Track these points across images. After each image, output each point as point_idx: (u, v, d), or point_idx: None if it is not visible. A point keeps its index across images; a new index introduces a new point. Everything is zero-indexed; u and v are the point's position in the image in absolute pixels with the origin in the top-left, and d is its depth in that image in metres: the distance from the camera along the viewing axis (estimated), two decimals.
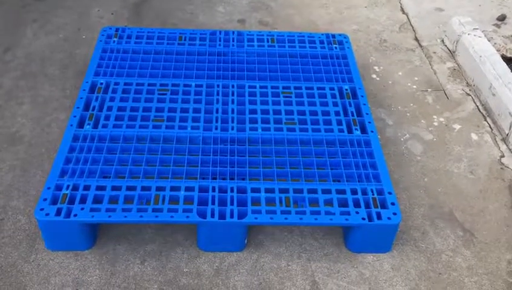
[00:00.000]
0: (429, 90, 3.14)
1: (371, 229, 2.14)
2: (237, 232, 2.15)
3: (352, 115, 2.62)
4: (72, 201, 2.13)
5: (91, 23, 3.50)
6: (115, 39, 3.01)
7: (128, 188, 2.20)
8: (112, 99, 2.62)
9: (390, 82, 3.18)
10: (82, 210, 2.08)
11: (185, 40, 3.05)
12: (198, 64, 2.88)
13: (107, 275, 2.10)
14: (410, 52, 3.45)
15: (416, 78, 3.22)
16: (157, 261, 2.16)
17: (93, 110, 2.55)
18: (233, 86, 2.75)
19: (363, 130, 2.55)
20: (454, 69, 3.30)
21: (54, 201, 2.13)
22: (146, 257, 2.18)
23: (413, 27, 3.69)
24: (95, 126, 2.47)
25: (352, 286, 2.12)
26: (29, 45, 3.27)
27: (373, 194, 2.23)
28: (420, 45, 3.51)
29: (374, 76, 3.22)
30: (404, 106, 3.02)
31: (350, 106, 2.67)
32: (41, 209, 2.08)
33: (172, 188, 2.21)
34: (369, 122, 2.57)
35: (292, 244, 2.26)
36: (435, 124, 2.91)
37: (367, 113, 2.62)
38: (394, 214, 2.15)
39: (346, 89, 2.77)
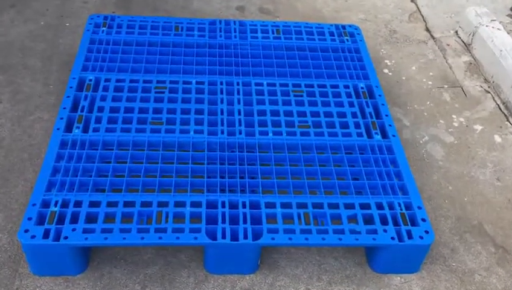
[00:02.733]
0: (445, 86, 2.92)
1: (400, 250, 1.91)
2: (251, 253, 1.90)
3: (371, 117, 2.37)
4: (61, 220, 1.85)
5: (75, 9, 3.18)
6: (104, 29, 2.70)
7: (126, 204, 1.93)
8: (103, 98, 2.32)
9: (403, 78, 2.95)
10: (73, 231, 1.81)
11: (181, 30, 2.76)
12: (198, 58, 2.60)
13: None
14: (423, 45, 3.21)
15: (431, 74, 2.99)
16: (160, 287, 1.90)
17: (82, 111, 2.25)
18: (238, 84, 2.48)
19: (384, 134, 2.32)
20: (471, 64, 3.08)
21: (41, 221, 1.85)
22: (147, 281, 1.92)
23: (423, 16, 3.45)
24: (85, 130, 2.19)
25: None
26: (6, 33, 2.94)
27: (401, 209, 2.01)
28: (432, 37, 3.28)
29: (386, 71, 2.98)
30: (420, 104, 2.79)
31: (368, 106, 2.43)
32: (26, 231, 1.80)
33: (177, 204, 1.94)
34: (390, 126, 2.33)
35: (310, 265, 2.02)
36: (455, 124, 2.69)
37: (386, 115, 2.39)
38: (426, 232, 1.93)
39: (362, 88, 2.52)
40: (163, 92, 2.38)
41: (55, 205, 1.89)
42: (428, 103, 2.80)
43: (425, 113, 2.74)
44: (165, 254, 2.01)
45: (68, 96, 2.31)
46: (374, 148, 2.23)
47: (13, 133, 2.40)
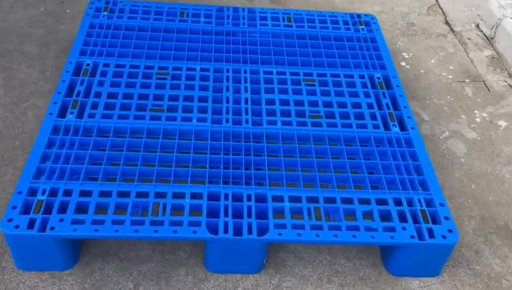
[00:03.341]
0: (467, 81, 2.74)
1: (421, 250, 1.73)
2: (255, 251, 1.73)
3: (388, 108, 2.20)
4: (48, 210, 1.70)
5: None
6: (105, 13, 2.55)
7: (120, 194, 1.76)
8: (101, 83, 2.17)
9: (422, 71, 2.77)
10: (61, 222, 1.65)
11: (187, 16, 2.60)
12: (203, 44, 2.44)
13: None
14: (442, 38, 3.04)
15: (451, 67, 2.81)
16: (155, 285, 1.74)
17: (77, 96, 2.10)
18: (245, 72, 2.31)
19: (402, 126, 2.14)
20: (493, 58, 2.90)
21: (26, 210, 1.69)
22: (141, 279, 1.75)
23: (442, 10, 3.27)
24: (80, 116, 2.03)
25: None
26: (4, 19, 2.81)
27: (421, 206, 1.83)
28: (452, 30, 3.10)
29: (404, 64, 2.81)
30: (440, 98, 2.61)
31: (384, 97, 2.25)
32: (10, 221, 1.64)
33: (175, 195, 1.78)
34: (409, 117, 2.16)
35: (320, 265, 1.85)
36: (478, 120, 2.51)
37: (405, 107, 2.21)
38: (449, 231, 1.75)
39: (379, 78, 2.35)
40: (165, 79, 2.22)
41: (43, 193, 1.73)
42: (448, 97, 2.62)
43: (446, 108, 2.56)
44: (162, 250, 1.84)
45: (63, 81, 2.16)
46: (392, 140, 2.06)
47: (5, 120, 2.25)
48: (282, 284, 1.78)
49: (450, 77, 2.75)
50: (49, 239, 1.63)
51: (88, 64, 2.25)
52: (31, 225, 1.63)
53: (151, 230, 1.65)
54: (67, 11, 2.92)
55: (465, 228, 2.02)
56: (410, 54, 2.88)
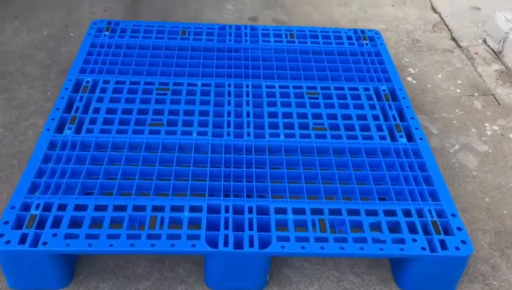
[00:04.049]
0: (476, 94, 2.67)
1: (433, 263, 1.63)
2: (258, 265, 1.64)
3: (395, 120, 2.13)
4: (42, 225, 1.63)
5: (81, 20, 3.04)
6: (107, 33, 2.54)
7: (117, 208, 1.70)
8: (100, 99, 2.13)
9: (429, 86, 2.71)
10: (54, 237, 1.58)
11: (188, 34, 2.58)
12: (204, 61, 2.41)
13: None
14: (448, 53, 2.98)
15: (459, 82, 2.75)
16: None
17: (76, 112, 2.06)
18: (247, 86, 2.27)
19: (410, 137, 2.07)
20: (502, 72, 2.83)
21: (19, 225, 1.63)
22: None
23: (448, 26, 3.23)
24: (78, 131, 1.99)
25: None
26: (7, 43, 2.81)
27: (432, 217, 1.74)
28: (459, 46, 3.05)
29: (410, 79, 2.75)
30: (449, 112, 2.54)
31: (391, 109, 2.19)
32: (1, 236, 1.57)
33: (174, 209, 1.71)
34: (416, 129, 2.09)
35: (327, 281, 1.75)
36: (488, 133, 2.43)
37: (412, 118, 2.14)
38: (463, 242, 1.65)
39: (384, 90, 2.29)
40: (165, 94, 2.18)
41: (37, 208, 1.67)
42: (457, 110, 2.55)
43: (455, 121, 2.49)
44: (160, 267, 1.76)
45: (62, 98, 2.12)
46: (399, 152, 1.98)
47: (4, 139, 2.21)
48: None
49: (458, 90, 2.69)
50: (42, 255, 1.56)
51: (88, 82, 2.22)
52: (22, 240, 1.57)
53: (147, 244, 1.58)
54: (71, 34, 2.92)
55: (479, 242, 1.92)
56: (417, 70, 2.82)
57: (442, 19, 3.31)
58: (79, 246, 1.56)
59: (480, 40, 3.10)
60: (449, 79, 2.77)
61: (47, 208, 1.68)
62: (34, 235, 1.58)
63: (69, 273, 1.69)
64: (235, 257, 1.59)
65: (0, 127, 2.27)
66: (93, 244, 1.57)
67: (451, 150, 2.32)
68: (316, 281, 1.75)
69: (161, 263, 1.77)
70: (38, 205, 1.68)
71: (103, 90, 2.18)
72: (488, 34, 3.06)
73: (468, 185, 2.15)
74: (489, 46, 3.02)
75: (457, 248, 1.63)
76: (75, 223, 1.64)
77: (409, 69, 2.82)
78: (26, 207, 1.68)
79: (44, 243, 1.56)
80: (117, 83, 2.23)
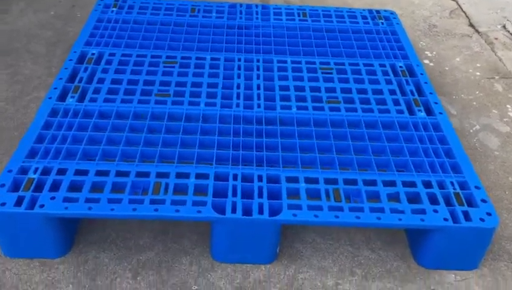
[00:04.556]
0: (496, 77, 2.56)
1: (456, 235, 1.52)
2: (267, 235, 1.53)
3: (413, 95, 2.03)
4: (39, 189, 1.54)
5: (88, 0, 2.97)
6: (114, 9, 2.47)
7: (119, 174, 1.61)
8: (105, 71, 2.05)
9: (447, 68, 2.61)
10: (52, 200, 1.49)
11: (198, 12, 2.50)
12: (214, 36, 2.32)
13: None
14: (467, 38, 2.88)
15: (478, 65, 2.65)
16: (155, 275, 1.55)
17: (79, 82, 1.98)
18: (258, 61, 2.18)
19: (428, 111, 1.96)
20: None
21: (15, 188, 1.54)
22: (140, 268, 1.57)
23: (465, 13, 3.13)
24: (81, 100, 1.90)
25: None
26: (13, 22, 2.75)
27: (454, 189, 1.62)
28: (477, 31, 2.95)
29: (427, 61, 2.65)
30: (468, 93, 2.43)
31: (408, 84, 2.09)
32: None
33: (179, 175, 1.61)
34: (436, 103, 1.98)
35: (341, 256, 1.64)
36: (511, 114, 2.31)
37: (431, 93, 2.04)
38: (488, 214, 1.54)
39: (401, 66, 2.19)
40: (172, 67, 2.10)
41: (35, 172, 1.58)
42: (477, 92, 2.44)
43: (475, 103, 2.38)
44: (164, 239, 1.66)
45: (66, 68, 2.04)
46: (418, 125, 1.88)
47: (6, 112, 2.14)
48: (298, 275, 1.58)
49: (478, 73, 2.58)
50: (38, 218, 1.47)
51: (93, 54, 2.14)
52: (18, 202, 1.48)
53: (150, 209, 1.48)
54: (78, 14, 2.85)
55: (504, 221, 1.80)
56: (434, 53, 2.72)
57: (459, 5, 3.21)
58: (78, 209, 1.47)
59: (499, 26, 2.99)
60: (468, 62, 2.66)
61: (46, 172, 1.59)
62: (30, 198, 1.49)
63: (67, 242, 1.59)
64: (243, 225, 1.49)
65: (2, 101, 2.19)
66: (93, 208, 1.47)
67: (471, 130, 2.21)
68: (329, 255, 1.64)
69: (165, 235, 1.67)
70: (36, 169, 1.59)
71: (108, 62, 2.10)
72: (507, 20, 2.95)
73: (490, 164, 2.04)
74: (508, 32, 2.92)
75: (482, 220, 1.52)
76: (75, 187, 1.55)
77: (426, 52, 2.72)
78: (23, 171, 1.59)
79: (42, 206, 1.47)
80: (123, 55, 2.15)
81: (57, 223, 1.51)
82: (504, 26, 2.96)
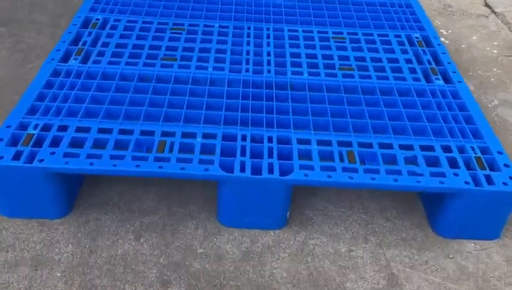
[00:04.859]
0: None
1: (477, 200, 1.43)
2: (277, 197, 1.45)
3: (430, 64, 1.94)
4: (39, 144, 1.47)
5: None
6: None
7: (123, 132, 1.53)
8: (110, 35, 1.98)
9: (463, 46, 2.52)
10: (52, 155, 1.41)
11: None
12: (222, 6, 2.25)
13: (83, 253, 1.41)
14: (483, 18, 2.80)
15: (495, 43, 2.56)
16: (159, 238, 1.47)
17: (83, 45, 1.91)
18: (268, 29, 2.10)
19: (447, 80, 1.88)
20: None
21: (14, 142, 1.47)
22: (143, 231, 1.49)
23: None
24: (84, 62, 1.83)
25: (451, 284, 1.40)
26: None
27: (475, 153, 1.54)
28: (493, 11, 2.86)
29: (442, 39, 2.56)
30: (485, 70, 2.35)
31: (425, 54, 2.01)
32: None
33: (185, 135, 1.54)
34: (454, 72, 1.90)
35: (354, 224, 1.56)
36: None
37: (449, 62, 1.95)
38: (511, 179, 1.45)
39: (417, 37, 2.11)
40: (180, 33, 2.02)
41: (35, 128, 1.51)
42: (495, 69, 2.36)
43: (493, 79, 2.29)
44: (169, 203, 1.58)
45: (70, 32, 1.98)
46: (436, 92, 1.79)
47: (6, 78, 2.07)
48: (309, 241, 1.49)
49: (495, 51, 2.50)
50: (38, 174, 1.39)
51: (98, 19, 2.07)
52: (17, 156, 1.41)
53: (154, 166, 1.41)
54: None
55: None
56: (449, 31, 2.64)
57: None
58: (79, 165, 1.39)
59: None
60: (484, 40, 2.58)
61: (46, 128, 1.52)
62: (30, 153, 1.42)
63: (67, 202, 1.52)
64: (252, 185, 1.41)
65: (3, 68, 2.12)
66: (95, 163, 1.40)
67: (489, 105, 2.13)
68: (342, 223, 1.56)
69: (170, 199, 1.59)
70: (36, 125, 1.52)
71: (113, 28, 2.03)
72: None
73: (510, 137, 1.95)
74: None
75: (505, 184, 1.43)
76: (76, 144, 1.48)
77: (441, 30, 2.64)
78: (23, 126, 1.52)
79: (41, 161, 1.39)
80: (128, 22, 2.08)
81: (57, 180, 1.44)
82: None
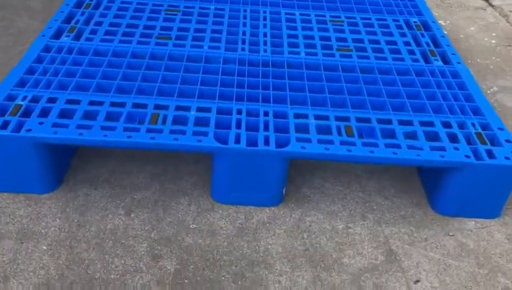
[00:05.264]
0: None
1: (478, 175, 1.39)
2: (273, 170, 1.41)
3: (428, 46, 1.91)
4: (27, 114, 1.42)
5: None
6: None
7: (114, 105, 1.49)
8: (103, 15, 1.94)
9: (461, 36, 2.50)
10: (40, 125, 1.37)
11: None
12: None
13: (71, 227, 1.36)
14: (481, 11, 2.78)
15: (493, 34, 2.54)
16: (150, 213, 1.42)
17: (76, 23, 1.87)
18: (265, 12, 2.07)
19: (446, 61, 1.85)
20: None
21: (1, 113, 1.42)
22: (134, 206, 1.44)
23: None
24: (76, 39, 1.79)
25: (451, 260, 1.36)
26: None
27: (475, 129, 1.50)
28: (491, 5, 2.85)
29: None
30: (484, 59, 2.32)
31: (423, 37, 1.98)
32: None
33: (179, 108, 1.50)
34: (453, 54, 1.87)
35: (352, 202, 1.52)
36: None
37: (448, 45, 1.92)
38: None
39: (415, 22, 2.08)
40: (175, 15, 1.99)
41: (23, 99, 1.46)
42: (493, 58, 2.33)
43: (492, 67, 2.27)
44: (162, 180, 1.54)
45: (62, 12, 1.94)
46: (435, 72, 1.76)
47: None
48: (306, 218, 1.45)
49: (493, 41, 2.48)
50: (25, 144, 1.35)
51: (91, 0, 2.03)
52: (4, 126, 1.36)
53: (146, 136, 1.36)
54: None
55: None
56: (447, 22, 2.62)
57: None
58: (68, 134, 1.35)
59: None
60: (483, 31, 2.56)
61: (35, 100, 1.47)
62: (17, 122, 1.37)
63: (56, 177, 1.47)
64: (247, 157, 1.36)
65: None
66: (84, 134, 1.35)
67: (488, 91, 2.10)
68: (339, 201, 1.52)
69: (162, 176, 1.55)
70: (25, 97, 1.47)
71: (107, 8, 1.99)
72: None
73: (510, 122, 1.92)
74: None
75: (507, 158, 1.39)
76: (66, 115, 1.43)
77: (440, 21, 2.61)
78: (10, 98, 1.47)
79: (29, 130, 1.35)
80: (122, 2, 2.04)
81: (45, 152, 1.39)
82: None
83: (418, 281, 1.30)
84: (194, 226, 1.39)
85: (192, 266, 1.29)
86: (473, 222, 1.48)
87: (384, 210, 1.50)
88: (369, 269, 1.32)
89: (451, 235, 1.43)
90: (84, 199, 1.45)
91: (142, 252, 1.31)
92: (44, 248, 1.30)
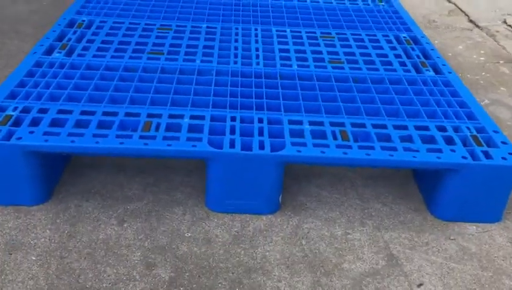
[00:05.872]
0: (501, 62, 2.48)
1: (476, 176, 1.38)
2: (269, 175, 1.38)
3: (419, 58, 1.93)
4: (18, 124, 1.40)
5: None
6: None
7: (106, 114, 1.47)
8: (95, 34, 1.95)
9: (450, 54, 2.53)
10: (31, 134, 1.34)
11: None
12: (211, 5, 2.26)
13: (62, 238, 1.32)
14: (467, 31, 2.82)
15: (482, 52, 2.58)
16: (144, 223, 1.38)
17: (68, 41, 1.87)
18: (256, 29, 2.09)
19: (437, 71, 1.86)
20: None
21: None
22: (127, 217, 1.40)
23: (464, 12, 3.10)
24: (69, 55, 1.79)
25: (454, 264, 1.32)
26: (2, 8, 2.66)
27: (471, 132, 1.50)
28: (477, 26, 2.90)
29: None
30: (474, 74, 2.35)
31: (414, 50, 1.99)
32: None
33: (172, 116, 1.48)
34: (444, 65, 1.88)
35: (350, 209, 1.49)
36: None
37: (438, 57, 1.94)
38: (511, 154, 1.40)
39: (405, 37, 2.11)
40: (167, 33, 2.00)
41: (14, 110, 1.44)
42: (483, 73, 2.36)
43: (482, 82, 2.28)
44: (155, 191, 1.50)
45: (54, 31, 1.94)
46: (427, 82, 1.77)
47: None
48: (303, 225, 1.42)
49: (482, 58, 2.51)
50: (15, 151, 1.31)
51: (83, 21, 2.04)
52: None
53: (139, 143, 1.34)
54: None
55: None
56: (436, 41, 2.65)
57: (457, 7, 3.18)
58: (59, 142, 1.32)
59: (499, 22, 2.95)
60: (471, 49, 2.59)
61: (26, 110, 1.45)
62: (7, 132, 1.35)
63: (46, 189, 1.43)
64: (242, 162, 1.34)
65: None
66: (76, 141, 1.33)
67: (481, 104, 2.10)
68: (337, 208, 1.49)
69: (155, 187, 1.52)
70: (16, 108, 1.45)
71: (99, 28, 2.00)
72: (508, 14, 2.91)
73: (505, 131, 1.92)
74: (510, 26, 2.87)
75: (504, 158, 1.38)
76: (57, 124, 1.41)
77: None
78: (0, 109, 1.45)
79: (19, 138, 1.32)
80: (115, 22, 2.05)
81: (35, 162, 1.36)
82: (505, 21, 2.92)
83: (421, 284, 1.26)
84: (189, 234, 1.35)
85: (187, 274, 1.24)
86: (474, 227, 1.45)
87: (382, 216, 1.47)
88: (371, 273, 1.28)
89: (452, 240, 1.40)
90: (75, 211, 1.41)
91: (136, 261, 1.27)
92: (34, 258, 1.25)
